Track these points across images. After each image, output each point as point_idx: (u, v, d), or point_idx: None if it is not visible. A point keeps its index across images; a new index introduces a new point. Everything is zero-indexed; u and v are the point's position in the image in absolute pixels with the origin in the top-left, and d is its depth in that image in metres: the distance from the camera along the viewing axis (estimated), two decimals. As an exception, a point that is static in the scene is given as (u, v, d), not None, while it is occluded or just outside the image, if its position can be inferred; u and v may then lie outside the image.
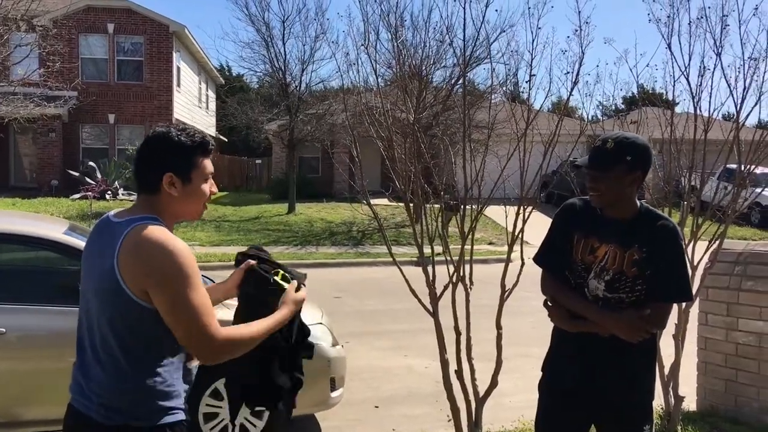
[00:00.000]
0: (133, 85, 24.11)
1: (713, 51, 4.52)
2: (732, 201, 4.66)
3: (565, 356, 2.67)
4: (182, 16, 76.26)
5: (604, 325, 2.50)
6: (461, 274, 3.97)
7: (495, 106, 4.79)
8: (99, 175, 21.31)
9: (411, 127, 4.07)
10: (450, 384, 4.01)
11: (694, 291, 3.52)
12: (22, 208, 17.12)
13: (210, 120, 31.51)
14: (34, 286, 4.54)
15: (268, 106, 21.94)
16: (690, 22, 4.53)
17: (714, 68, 4.54)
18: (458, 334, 3.98)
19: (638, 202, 2.58)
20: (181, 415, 1.96)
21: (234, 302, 2.23)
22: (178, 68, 25.32)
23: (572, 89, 4.04)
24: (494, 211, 5.06)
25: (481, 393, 4.06)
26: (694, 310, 4.79)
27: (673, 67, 4.65)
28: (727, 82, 4.54)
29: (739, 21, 4.43)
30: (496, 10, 13.45)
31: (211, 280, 3.99)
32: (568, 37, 4.06)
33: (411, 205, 4.13)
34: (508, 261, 3.98)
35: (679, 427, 4.59)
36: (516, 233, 3.99)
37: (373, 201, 4.42)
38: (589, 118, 5.39)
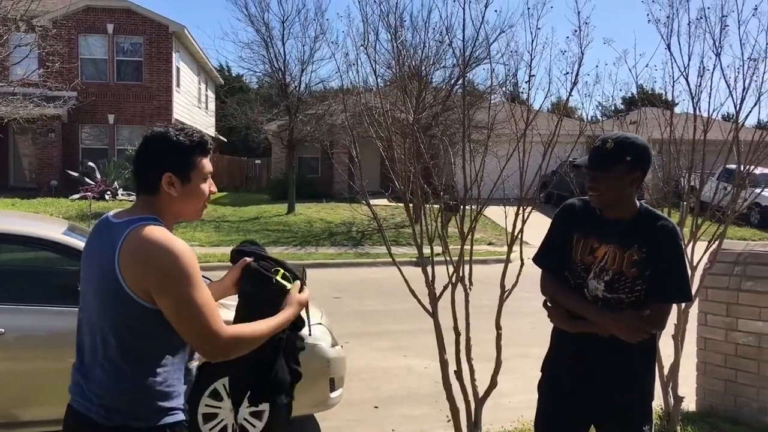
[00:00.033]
0: (133, 86, 24.10)
1: (712, 51, 4.53)
2: (731, 201, 4.66)
3: (565, 357, 2.66)
4: (182, 16, 76.37)
5: (604, 326, 2.50)
6: (461, 274, 3.97)
7: (494, 107, 4.78)
8: (98, 176, 21.30)
9: (410, 128, 4.07)
10: (449, 384, 4.01)
11: (693, 291, 3.52)
12: (21, 209, 17.12)
13: (209, 120, 31.51)
14: (33, 287, 4.53)
15: (268, 106, 21.96)
16: (689, 22, 4.53)
17: (713, 69, 4.55)
18: (458, 334, 3.97)
19: (638, 203, 2.58)
20: (180, 416, 1.96)
21: (229, 301, 2.23)
22: (178, 68, 25.32)
23: (571, 89, 4.05)
24: (494, 212, 5.06)
25: (481, 393, 4.06)
26: (694, 311, 4.79)
27: (672, 67, 4.66)
28: (726, 82, 4.55)
29: (739, 21, 4.43)
30: (496, 11, 13.50)
31: (209, 279, 3.98)
32: (568, 37, 4.07)
33: (410, 205, 4.13)
34: (507, 261, 3.98)
35: (678, 428, 4.59)
36: (515, 233, 3.99)
37: (372, 201, 4.42)
38: (589, 118, 5.40)
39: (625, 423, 2.60)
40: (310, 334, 2.36)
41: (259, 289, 2.12)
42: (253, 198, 24.50)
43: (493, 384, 4.04)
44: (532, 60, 4.00)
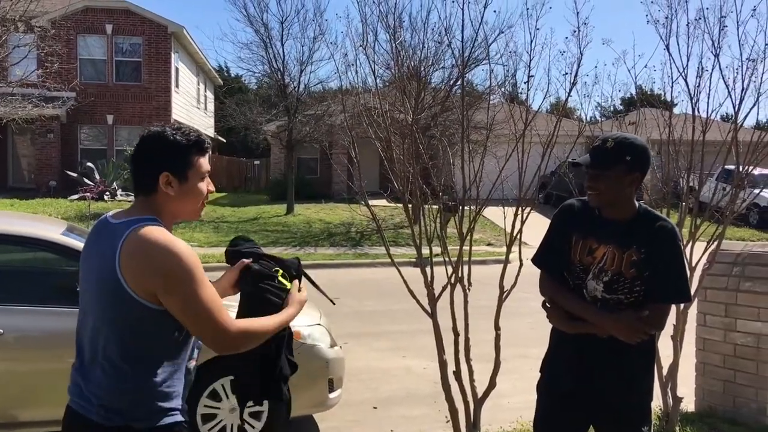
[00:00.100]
0: (132, 86, 24.10)
1: (711, 52, 4.53)
2: (730, 202, 4.66)
3: (564, 357, 2.66)
4: (181, 16, 76.37)
5: (603, 327, 2.50)
6: (459, 275, 3.97)
7: (493, 107, 4.78)
8: (97, 176, 21.29)
9: (409, 128, 4.07)
10: (448, 385, 4.01)
11: (692, 292, 3.52)
12: (20, 209, 17.11)
13: (208, 121, 31.51)
14: (32, 287, 4.53)
15: (267, 107, 21.94)
16: (688, 23, 4.54)
17: (712, 69, 4.55)
18: (456, 335, 3.97)
19: (637, 203, 2.58)
20: (180, 417, 1.96)
21: (230, 302, 2.24)
22: (177, 69, 25.32)
23: (570, 90, 4.06)
24: (493, 212, 5.07)
25: (480, 394, 4.05)
26: (693, 311, 4.79)
27: (671, 68, 4.66)
28: (725, 83, 4.55)
29: (738, 22, 4.43)
30: (495, 11, 13.47)
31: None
32: (567, 38, 4.07)
33: (409, 206, 4.13)
34: (506, 262, 3.99)
35: (677, 428, 4.59)
36: (514, 234, 3.99)
37: (371, 202, 4.43)
38: (588, 118, 5.39)
39: (624, 423, 2.60)
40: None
41: (261, 290, 2.13)
42: (252, 198, 24.49)
43: (492, 384, 4.04)
44: (531, 60, 4.01)
